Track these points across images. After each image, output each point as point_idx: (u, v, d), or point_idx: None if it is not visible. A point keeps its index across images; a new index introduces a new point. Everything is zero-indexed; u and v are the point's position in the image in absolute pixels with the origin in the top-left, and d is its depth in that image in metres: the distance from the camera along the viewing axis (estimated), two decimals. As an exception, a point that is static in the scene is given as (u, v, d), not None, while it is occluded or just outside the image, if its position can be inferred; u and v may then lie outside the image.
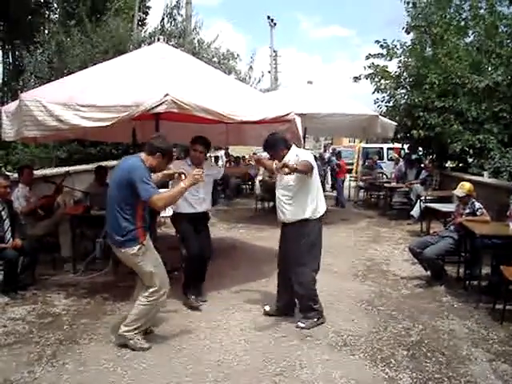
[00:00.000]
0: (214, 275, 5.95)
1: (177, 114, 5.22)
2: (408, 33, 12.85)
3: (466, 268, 5.99)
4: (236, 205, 13.55)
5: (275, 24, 37.87)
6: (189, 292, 5.22)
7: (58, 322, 4.74)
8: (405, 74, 12.60)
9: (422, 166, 11.92)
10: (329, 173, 16.30)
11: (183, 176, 4.24)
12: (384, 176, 14.44)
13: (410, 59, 12.43)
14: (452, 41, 11.53)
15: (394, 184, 12.23)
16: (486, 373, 3.81)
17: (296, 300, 4.85)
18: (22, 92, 5.97)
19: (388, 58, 12.58)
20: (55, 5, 20.42)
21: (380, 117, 10.53)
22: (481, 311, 5.09)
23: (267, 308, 5.03)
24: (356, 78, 12.90)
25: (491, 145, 10.18)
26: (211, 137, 7.72)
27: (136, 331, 4.13)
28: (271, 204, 11.00)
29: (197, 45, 17.19)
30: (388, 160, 18.75)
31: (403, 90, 12.70)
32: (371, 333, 4.54)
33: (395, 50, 12.54)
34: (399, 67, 12.66)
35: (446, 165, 12.97)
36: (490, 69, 11.18)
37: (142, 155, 4.08)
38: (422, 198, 9.73)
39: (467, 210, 6.08)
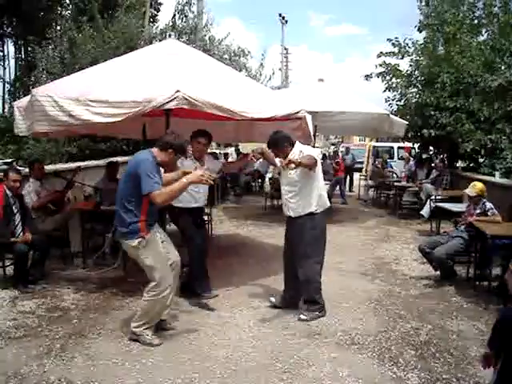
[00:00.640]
0: (223, 272, 5.96)
1: (187, 111, 5.23)
2: (420, 31, 12.80)
3: (475, 268, 5.95)
4: (245, 202, 13.55)
5: (286, 22, 37.90)
6: (199, 288, 5.19)
7: (67, 316, 4.77)
8: (416, 72, 12.54)
9: (433, 165, 11.85)
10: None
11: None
12: (394, 175, 14.37)
13: (421, 58, 12.36)
14: (465, 39, 11.44)
15: (404, 183, 12.18)
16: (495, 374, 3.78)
17: (301, 292, 4.93)
18: (33, 87, 6.01)
19: (400, 57, 12.52)
20: (67, 1, 20.55)
21: (391, 115, 10.48)
22: (490, 312, 5.04)
23: (273, 299, 5.10)
24: (367, 77, 12.86)
25: (503, 145, 10.11)
26: (221, 133, 7.81)
27: (144, 327, 4.15)
28: (281, 201, 10.98)
29: (208, 42, 17.16)
30: (398, 159, 18.66)
31: (415, 89, 12.64)
32: (379, 332, 4.52)
33: (407, 48, 12.47)
34: (411, 66, 12.60)
35: (457, 164, 12.88)
36: (503, 68, 11.06)
37: (154, 150, 4.09)
38: (433, 197, 9.66)
39: (478, 210, 6.04)
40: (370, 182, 14.81)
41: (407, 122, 11.29)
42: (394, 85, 12.52)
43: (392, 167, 15.46)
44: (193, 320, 4.72)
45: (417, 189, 11.31)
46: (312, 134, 6.29)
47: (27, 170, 6.93)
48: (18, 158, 12.27)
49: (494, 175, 10.27)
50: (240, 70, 16.24)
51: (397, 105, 12.89)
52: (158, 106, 4.77)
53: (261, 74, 19.57)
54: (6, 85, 20.89)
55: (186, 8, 18.32)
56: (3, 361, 3.84)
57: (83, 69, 7.24)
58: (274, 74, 22.47)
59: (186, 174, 4.25)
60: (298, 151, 4.74)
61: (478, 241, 5.85)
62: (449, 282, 5.99)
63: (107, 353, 3.99)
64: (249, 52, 18.21)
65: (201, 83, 5.31)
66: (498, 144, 10.22)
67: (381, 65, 12.50)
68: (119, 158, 9.92)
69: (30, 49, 18.54)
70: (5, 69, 21.95)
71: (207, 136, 5.27)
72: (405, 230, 9.69)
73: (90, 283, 5.81)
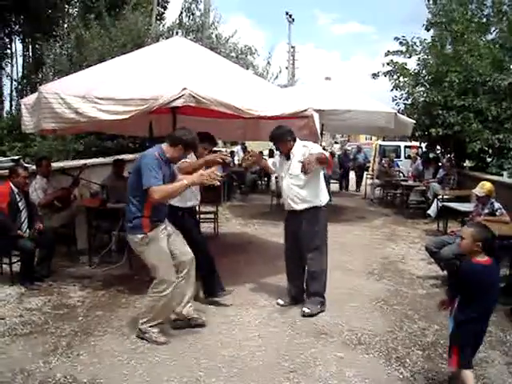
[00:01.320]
0: (229, 271, 5.94)
1: (194, 108, 5.23)
2: (428, 30, 12.70)
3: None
4: (251, 200, 13.52)
5: (293, 20, 37.94)
6: (212, 288, 5.17)
7: (73, 314, 4.78)
8: (424, 71, 12.46)
9: (440, 164, 11.78)
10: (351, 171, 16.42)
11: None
12: (401, 174, 14.31)
13: (429, 56, 12.28)
14: (473, 38, 11.35)
15: (410, 182, 12.12)
16: (503, 376, 3.76)
17: (306, 285, 5.04)
18: (41, 85, 6.02)
19: (407, 55, 12.44)
20: (75, -1, 20.58)
21: (398, 114, 10.43)
22: (498, 313, 4.98)
23: (281, 301, 5.11)
24: (374, 75, 12.80)
25: (511, 144, 10.02)
26: (228, 131, 7.80)
27: (149, 324, 4.14)
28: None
29: (215, 39, 17.15)
30: (405, 158, 18.57)
31: (422, 88, 12.54)
32: (386, 332, 4.50)
33: (415, 47, 12.39)
34: (418, 64, 12.52)
35: (464, 164, 12.81)
36: (512, 67, 11.01)
37: (164, 146, 4.10)
38: (440, 196, 9.61)
39: (486, 210, 6.00)
40: (377, 181, 14.75)
41: (414, 121, 11.23)
42: (401, 84, 12.44)
43: (399, 166, 15.39)
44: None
45: (424, 188, 11.25)
46: (319, 132, 6.26)
47: (34, 167, 6.94)
48: (25, 155, 12.29)
49: (501, 175, 10.21)
50: (247, 68, 16.22)
51: (404, 104, 12.82)
52: (165, 103, 4.76)
53: (267, 73, 19.56)
54: (14, 82, 20.96)
55: (193, 6, 18.37)
56: (10, 357, 3.85)
57: (90, 66, 7.23)
58: (280, 72, 22.43)
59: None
60: (301, 146, 4.84)
61: (485, 241, 5.80)
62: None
63: (113, 350, 3.99)
64: (256, 50, 18.19)
65: (208, 81, 5.29)
66: (507, 143, 10.15)
67: (388, 63, 12.42)
68: (125, 156, 9.93)
69: (37, 46, 18.58)
70: (12, 66, 22.02)
71: (213, 141, 5.28)
72: (412, 230, 9.63)
73: (96, 281, 5.82)
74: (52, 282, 5.66)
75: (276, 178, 12.54)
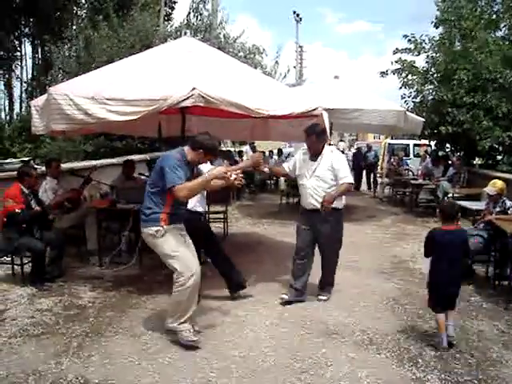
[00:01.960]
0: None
1: (203, 108, 5.22)
2: (437, 27, 12.62)
3: (495, 268, 5.85)
4: (261, 200, 13.51)
5: (301, 19, 37.80)
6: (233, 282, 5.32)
7: (83, 314, 4.79)
8: (433, 69, 12.38)
9: (450, 162, 11.70)
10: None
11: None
12: (410, 173, 14.23)
13: (438, 54, 12.20)
14: (482, 36, 11.25)
15: (420, 181, 12.04)
16: (517, 376, 3.71)
17: (322, 278, 5.35)
18: (50, 86, 6.04)
19: (416, 53, 12.38)
20: (83, 1, 20.70)
21: (407, 113, 10.37)
22: (511, 312, 4.96)
23: (285, 296, 5.13)
24: (383, 73, 12.75)
25: (523, 142, 9.94)
26: (237, 131, 7.79)
27: (180, 320, 4.05)
28: (296, 199, 10.93)
29: (223, 39, 17.15)
30: (414, 156, 18.47)
31: (431, 86, 12.48)
32: (398, 332, 4.47)
33: (423, 44, 12.33)
34: (427, 62, 12.46)
35: (474, 162, 12.71)
36: (523, 63, 10.89)
37: (186, 148, 4.13)
38: (450, 195, 9.54)
39: (498, 209, 5.94)
40: (386, 180, 14.67)
41: (424, 120, 11.15)
42: (409, 82, 12.38)
43: (408, 165, 15.30)
44: (210, 319, 4.69)
45: (433, 186, 11.16)
46: (328, 131, 6.23)
47: (44, 168, 6.96)
48: (35, 156, 12.38)
49: (512, 173, 10.11)
50: (255, 68, 16.19)
51: (413, 102, 12.76)
52: (174, 103, 4.76)
53: (275, 72, 19.53)
54: (24, 84, 21.12)
55: (201, 6, 18.39)
56: (22, 358, 3.86)
57: (99, 67, 7.24)
58: (289, 71, 22.37)
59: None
60: (329, 151, 5.01)
61: (497, 239, 5.75)
62: (467, 281, 5.89)
63: (124, 351, 3.99)
64: (263, 50, 18.16)
65: (217, 80, 5.28)
66: (517, 141, 10.06)
67: (397, 61, 12.37)
68: (135, 157, 9.95)
69: (46, 48, 18.68)
70: (22, 68, 22.22)
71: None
72: (421, 228, 9.54)
73: (106, 281, 5.83)
74: (63, 283, 5.67)
75: (284, 177, 12.56)
